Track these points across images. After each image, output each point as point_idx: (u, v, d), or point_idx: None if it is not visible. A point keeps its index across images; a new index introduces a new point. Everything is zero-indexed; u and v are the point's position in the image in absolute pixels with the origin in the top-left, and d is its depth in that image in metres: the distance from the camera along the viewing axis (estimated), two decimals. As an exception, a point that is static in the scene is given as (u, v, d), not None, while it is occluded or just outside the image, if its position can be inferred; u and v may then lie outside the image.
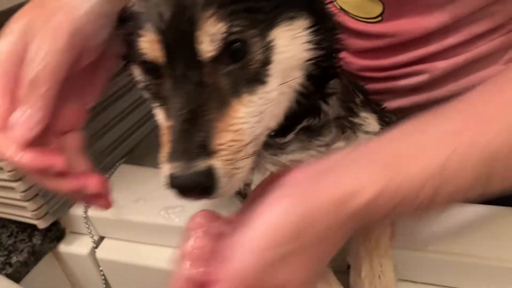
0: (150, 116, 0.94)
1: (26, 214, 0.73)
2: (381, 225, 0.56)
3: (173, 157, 0.37)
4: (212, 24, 0.37)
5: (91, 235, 0.76)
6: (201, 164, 0.36)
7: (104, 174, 0.83)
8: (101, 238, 0.77)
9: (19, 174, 0.68)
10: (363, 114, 0.55)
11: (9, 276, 0.70)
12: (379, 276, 0.54)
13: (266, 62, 0.39)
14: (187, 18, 0.37)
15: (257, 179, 0.53)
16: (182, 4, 0.37)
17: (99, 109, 0.81)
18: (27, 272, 0.74)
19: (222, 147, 0.37)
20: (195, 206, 0.70)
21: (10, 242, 0.76)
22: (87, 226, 0.75)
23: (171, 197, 0.72)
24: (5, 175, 0.69)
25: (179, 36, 0.38)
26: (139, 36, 0.39)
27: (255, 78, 0.39)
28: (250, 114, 0.39)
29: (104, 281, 0.78)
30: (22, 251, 0.74)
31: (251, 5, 0.38)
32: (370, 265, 0.54)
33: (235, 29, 0.37)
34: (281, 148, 0.50)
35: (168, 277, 0.66)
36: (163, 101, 0.41)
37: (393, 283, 0.54)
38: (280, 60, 0.40)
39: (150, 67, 0.41)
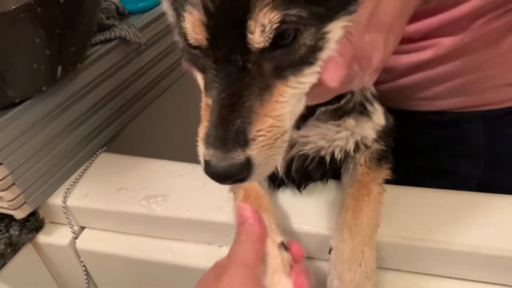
0: (132, 103, 0.92)
1: (2, 204, 0.71)
2: (373, 208, 0.55)
3: (210, 142, 0.37)
4: (267, 13, 0.35)
5: (70, 226, 0.74)
6: (239, 156, 0.37)
7: (84, 162, 0.81)
8: (82, 228, 0.75)
9: (-7, 163, 0.66)
10: (376, 105, 0.58)
11: (-15, 268, 0.68)
12: (360, 263, 0.53)
13: (316, 49, 0.38)
14: (240, 3, 0.35)
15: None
16: None
17: (79, 95, 0.78)
18: (4, 264, 0.71)
19: (260, 133, 0.37)
20: (178, 194, 0.69)
21: (-14, 233, 0.74)
22: (66, 216, 0.73)
23: (153, 187, 0.71)
24: (-21, 165, 0.66)
25: (227, 22, 0.36)
26: (184, 12, 0.37)
27: (303, 60, 0.38)
28: (295, 96, 0.38)
29: (85, 272, 0.76)
30: (-2, 242, 0.72)
31: None
32: (352, 250, 0.53)
33: (291, 18, 0.35)
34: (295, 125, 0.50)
35: (149, 267, 0.65)
36: (205, 73, 0.40)
37: (374, 272, 0.53)
38: (331, 49, 0.39)
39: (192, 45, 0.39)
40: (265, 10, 0.35)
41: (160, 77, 0.99)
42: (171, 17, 0.43)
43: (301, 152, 0.59)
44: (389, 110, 0.62)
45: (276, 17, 0.35)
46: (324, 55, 0.39)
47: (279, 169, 0.61)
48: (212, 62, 0.38)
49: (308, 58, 0.38)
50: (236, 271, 0.46)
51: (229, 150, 0.37)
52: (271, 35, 0.36)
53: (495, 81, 0.69)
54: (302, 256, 0.53)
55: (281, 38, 0.37)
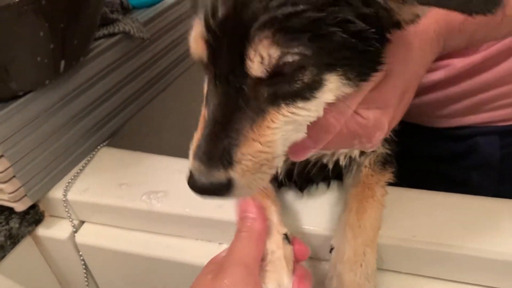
0: (134, 98, 0.92)
1: (3, 196, 0.71)
2: (376, 210, 0.55)
3: (197, 155, 0.38)
4: (266, 46, 0.34)
5: (70, 219, 0.74)
6: (220, 176, 0.37)
7: (85, 156, 0.81)
8: (81, 223, 0.75)
9: (-6, 155, 0.66)
10: None
11: (-16, 260, 0.68)
12: (361, 264, 0.53)
13: (313, 88, 0.37)
14: (240, 30, 0.35)
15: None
16: (239, 13, 0.35)
17: (82, 89, 0.78)
18: (3, 256, 0.71)
19: (246, 157, 0.37)
20: (179, 191, 0.69)
21: (-14, 225, 0.74)
22: (66, 210, 0.73)
23: (154, 182, 0.71)
24: (-20, 156, 0.66)
25: (228, 42, 0.36)
26: (192, 24, 0.37)
27: (298, 94, 0.37)
28: (286, 124, 0.38)
29: (84, 266, 0.76)
30: (-2, 234, 0.72)
31: (316, 40, 0.35)
32: (354, 251, 0.53)
33: (293, 57, 0.35)
34: None
35: (148, 262, 0.65)
36: (208, 84, 0.40)
37: (374, 274, 0.53)
38: (326, 96, 0.38)
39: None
40: (264, 43, 0.34)
41: (163, 73, 0.99)
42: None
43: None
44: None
45: (275, 52, 0.35)
46: (321, 95, 0.38)
47: (279, 173, 0.60)
48: (212, 77, 0.38)
49: (303, 93, 0.37)
50: (237, 272, 0.45)
51: (213, 167, 0.37)
52: (269, 68, 0.35)
53: (509, 98, 0.69)
54: (306, 254, 0.53)
55: (282, 68, 0.36)
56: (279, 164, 0.40)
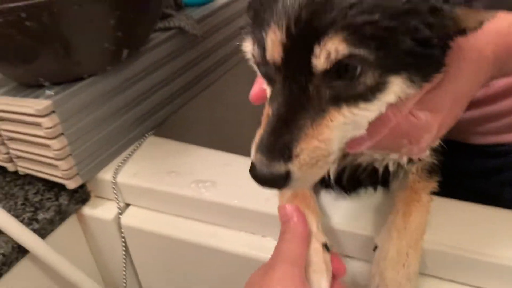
0: (181, 91, 0.95)
1: (57, 173, 0.74)
2: (422, 214, 0.57)
3: (260, 148, 0.41)
4: (336, 42, 0.37)
5: (117, 201, 0.77)
6: (280, 168, 0.40)
7: (133, 143, 0.84)
8: (127, 205, 0.78)
9: (56, 132, 0.69)
10: None
11: (35, 231, 0.71)
12: (404, 264, 0.54)
13: (376, 90, 0.40)
14: (314, 33, 0.38)
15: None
16: (318, 19, 0.37)
17: (137, 78, 0.81)
18: (51, 230, 0.75)
19: (304, 152, 0.40)
20: (226, 182, 0.71)
21: (36, 199, 0.77)
22: (114, 192, 0.76)
23: (201, 172, 0.73)
24: (42, 132, 0.69)
25: (302, 44, 0.38)
26: (267, 30, 0.40)
27: (360, 95, 0.40)
28: (345, 124, 0.40)
29: (124, 248, 0.79)
30: (48, 209, 0.75)
31: (384, 47, 0.38)
32: (398, 251, 0.55)
33: (356, 56, 0.37)
34: None
35: (189, 248, 0.66)
36: (271, 84, 0.43)
37: (415, 276, 0.55)
38: (388, 97, 0.41)
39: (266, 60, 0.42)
40: (335, 40, 0.37)
41: (210, 69, 1.02)
42: (246, 32, 0.46)
43: (355, 163, 0.61)
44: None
45: (342, 49, 0.37)
46: (383, 97, 0.41)
47: (331, 177, 0.62)
48: (281, 78, 0.41)
49: (365, 95, 0.40)
50: (285, 268, 0.48)
51: (273, 160, 0.40)
52: (334, 61, 0.38)
53: None
54: (343, 272, 0.54)
55: (344, 70, 0.39)
56: (334, 159, 0.43)
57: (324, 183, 0.65)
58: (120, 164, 0.79)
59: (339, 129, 0.41)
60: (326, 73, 0.39)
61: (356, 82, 0.39)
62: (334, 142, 0.41)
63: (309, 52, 0.38)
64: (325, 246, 0.55)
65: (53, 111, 0.69)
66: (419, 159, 0.62)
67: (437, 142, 0.61)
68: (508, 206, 0.72)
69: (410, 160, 0.62)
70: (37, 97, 0.71)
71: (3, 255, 0.68)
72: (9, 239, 0.69)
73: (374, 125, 0.43)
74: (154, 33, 0.86)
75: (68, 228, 0.79)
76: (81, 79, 0.72)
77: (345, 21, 0.37)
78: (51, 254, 0.72)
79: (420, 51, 0.39)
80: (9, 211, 0.72)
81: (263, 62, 0.42)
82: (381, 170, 0.61)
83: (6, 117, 0.73)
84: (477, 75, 0.48)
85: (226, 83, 1.07)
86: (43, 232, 0.73)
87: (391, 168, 0.61)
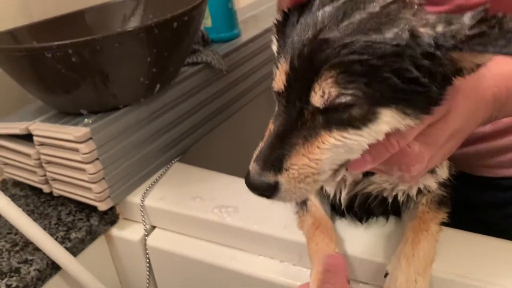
0: (206, 121, 1.01)
1: (90, 195, 0.80)
2: (430, 242, 0.60)
3: (256, 158, 0.47)
4: (329, 84, 0.43)
5: (144, 223, 0.82)
6: (269, 177, 0.45)
7: (160, 169, 0.89)
8: (153, 228, 0.83)
9: (92, 157, 0.75)
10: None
11: (67, 249, 0.76)
12: None
13: (366, 120, 0.44)
14: (313, 68, 0.43)
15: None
16: (316, 56, 0.43)
17: (166, 109, 0.88)
18: (82, 249, 0.80)
19: (293, 167, 0.45)
20: (247, 208, 0.76)
21: (69, 219, 0.82)
22: (142, 214, 0.81)
23: (224, 198, 0.78)
24: (79, 157, 0.75)
25: (302, 78, 0.44)
26: (278, 62, 0.46)
27: (349, 123, 0.45)
28: (336, 147, 0.45)
29: (148, 268, 0.83)
30: (80, 229, 0.80)
31: (372, 85, 0.42)
32: (407, 278, 0.58)
33: (346, 96, 0.43)
34: None
35: (211, 271, 0.70)
36: (277, 107, 0.48)
37: None
38: (381, 127, 0.45)
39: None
40: (329, 81, 0.43)
41: (233, 100, 1.08)
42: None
43: (365, 191, 0.65)
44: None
45: (334, 91, 0.43)
46: (373, 126, 0.45)
47: (342, 204, 0.66)
48: (284, 102, 0.46)
49: (354, 123, 0.44)
50: None
51: (265, 169, 0.45)
52: (327, 102, 0.43)
53: None
54: None
55: (336, 104, 0.44)
56: (325, 179, 0.47)
57: (337, 210, 0.69)
58: (147, 188, 0.84)
59: (330, 151, 0.45)
60: (322, 108, 0.44)
61: (345, 113, 0.44)
62: (324, 162, 0.46)
63: (307, 84, 0.44)
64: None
65: (90, 138, 0.75)
66: (428, 191, 0.66)
67: (445, 176, 0.65)
68: None
69: (419, 192, 0.66)
70: (76, 124, 0.77)
71: (39, 270, 0.73)
72: (44, 256, 0.74)
73: (378, 150, 0.47)
74: (183, 67, 0.93)
75: (97, 248, 0.84)
76: (116, 109, 0.79)
77: (337, 59, 0.42)
78: (82, 271, 0.76)
79: (410, 88, 0.43)
80: (43, 229, 0.78)
81: (273, 87, 0.48)
82: (390, 199, 0.65)
83: (46, 142, 0.79)
84: (475, 115, 0.52)
85: (247, 113, 1.12)
86: (74, 251, 0.78)
87: (400, 198, 0.65)
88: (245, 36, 1.11)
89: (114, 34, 0.69)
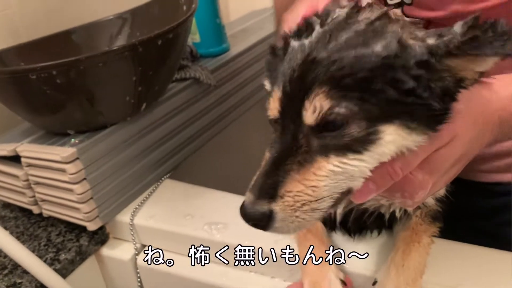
0: (195, 137, 1.01)
1: (79, 215, 0.79)
2: (421, 254, 0.60)
3: (251, 188, 0.44)
4: (321, 98, 0.42)
5: (134, 242, 0.81)
6: (263, 206, 0.43)
7: (150, 186, 0.89)
8: (143, 246, 0.82)
9: (79, 177, 0.75)
10: None
11: (56, 271, 0.75)
12: None
13: (366, 141, 0.42)
14: (302, 90, 0.43)
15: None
16: (306, 76, 0.43)
17: (154, 126, 0.87)
18: (72, 270, 0.79)
19: (288, 194, 0.43)
20: (237, 224, 0.75)
21: (58, 240, 0.82)
22: (132, 233, 0.81)
23: (215, 214, 0.78)
24: (66, 177, 0.75)
25: (295, 101, 0.43)
26: (272, 90, 0.46)
27: (348, 147, 0.42)
28: (335, 174, 0.43)
29: (139, 287, 0.82)
30: (70, 249, 0.79)
31: (367, 98, 0.41)
32: (396, 286, 0.57)
33: (340, 110, 0.41)
34: None
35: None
36: (274, 134, 0.47)
37: None
38: (384, 148, 0.43)
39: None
40: (320, 96, 0.41)
41: (223, 115, 1.08)
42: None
43: (362, 207, 0.63)
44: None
45: (326, 104, 0.41)
46: (375, 149, 0.42)
47: (337, 219, 0.66)
48: (279, 128, 0.45)
49: (354, 146, 0.42)
50: None
51: (259, 198, 0.43)
52: (320, 117, 0.42)
53: None
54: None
55: (331, 124, 0.42)
56: (325, 208, 0.44)
57: (329, 224, 0.69)
58: (137, 206, 0.83)
59: (328, 179, 0.43)
60: (315, 125, 0.43)
61: (341, 133, 0.42)
62: (322, 189, 0.43)
63: (300, 106, 0.43)
64: (342, 281, 0.59)
65: (77, 158, 0.74)
66: (424, 205, 0.65)
67: (442, 192, 0.64)
68: (508, 246, 0.73)
69: (416, 207, 0.65)
70: (62, 144, 0.77)
71: (27, 294, 0.72)
72: (33, 279, 0.74)
73: (382, 177, 0.45)
74: (171, 84, 0.93)
75: (88, 268, 0.83)
76: (103, 128, 0.78)
77: (327, 75, 0.41)
78: (71, 292, 0.75)
79: (408, 100, 0.41)
80: (33, 251, 0.77)
81: (269, 116, 0.47)
82: (387, 216, 0.64)
83: (34, 163, 0.79)
84: (481, 139, 0.50)
85: (238, 128, 1.12)
86: (64, 272, 0.77)
87: (397, 214, 0.64)
88: (234, 50, 1.11)
89: (98, 54, 0.69)
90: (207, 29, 1.08)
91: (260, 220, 0.43)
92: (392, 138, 0.42)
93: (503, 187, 0.78)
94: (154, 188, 0.88)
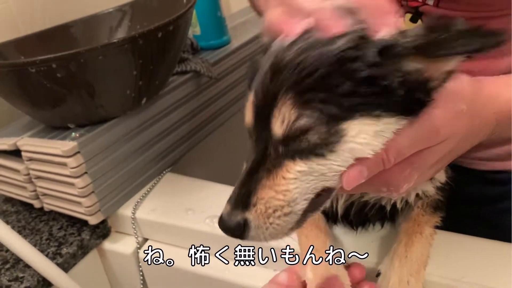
0: (196, 130, 1.00)
1: (80, 209, 0.79)
2: (423, 245, 0.60)
3: (228, 199, 0.45)
4: (287, 108, 0.42)
5: (136, 236, 0.81)
6: (237, 215, 0.44)
7: (151, 180, 0.88)
8: (145, 240, 0.82)
9: (80, 171, 0.74)
10: None
11: (58, 265, 0.75)
12: None
13: (330, 143, 0.42)
14: (271, 97, 0.43)
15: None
16: (274, 81, 0.43)
17: (155, 119, 0.87)
18: (74, 264, 0.79)
19: (260, 202, 0.43)
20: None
21: (60, 234, 0.82)
22: (133, 227, 0.80)
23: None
24: (67, 171, 0.75)
25: (265, 109, 0.43)
26: (248, 95, 0.46)
27: (311, 151, 0.43)
28: (304, 175, 0.43)
29: (142, 281, 0.82)
30: (71, 244, 0.79)
31: (326, 98, 0.41)
32: (399, 278, 0.57)
33: (303, 117, 0.41)
34: None
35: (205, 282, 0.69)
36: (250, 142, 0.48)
37: None
38: (351, 145, 0.42)
39: None
40: (287, 104, 0.41)
41: (223, 108, 1.07)
42: None
43: (362, 199, 0.63)
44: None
45: (293, 114, 0.41)
46: (342, 147, 0.42)
47: (338, 212, 0.65)
48: (254, 137, 0.46)
49: (318, 150, 0.42)
50: None
51: (235, 208, 0.44)
52: (288, 129, 0.42)
53: None
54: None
55: (295, 132, 0.42)
56: (300, 210, 0.44)
57: (331, 218, 0.68)
58: (139, 200, 0.83)
59: (298, 180, 0.43)
60: (283, 135, 0.43)
61: (304, 139, 0.42)
62: (293, 192, 0.43)
63: (270, 113, 0.43)
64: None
65: (78, 152, 0.74)
66: (426, 195, 0.65)
67: (443, 180, 0.64)
68: (508, 234, 0.73)
69: (417, 197, 0.65)
70: (63, 138, 0.77)
71: (29, 288, 0.72)
72: (35, 273, 0.73)
73: (376, 163, 0.44)
74: (171, 77, 0.93)
75: (89, 262, 0.83)
76: (104, 121, 0.78)
77: (292, 79, 0.41)
78: (73, 287, 0.75)
79: (365, 90, 0.41)
80: (35, 245, 0.77)
81: (246, 123, 0.47)
82: (388, 207, 0.64)
83: (35, 157, 0.79)
84: (473, 138, 0.51)
85: (239, 121, 1.11)
86: (66, 266, 0.77)
87: (398, 205, 0.64)
88: (235, 43, 1.11)
89: (98, 46, 0.68)
90: (207, 21, 1.07)
91: (236, 230, 0.44)
92: (358, 131, 0.42)
93: (502, 175, 0.77)
94: (156, 182, 0.88)
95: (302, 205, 0.44)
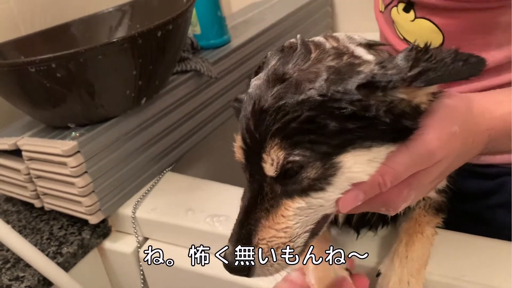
0: (196, 130, 1.00)
1: (80, 209, 0.79)
2: (424, 245, 0.60)
3: (229, 239, 0.47)
4: (276, 151, 0.43)
5: (136, 235, 0.81)
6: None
7: (152, 179, 0.88)
8: (145, 239, 0.82)
9: (80, 170, 0.74)
10: None
11: (59, 265, 0.75)
12: None
13: (327, 176, 0.43)
14: (258, 143, 0.44)
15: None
16: (259, 127, 0.44)
17: (155, 119, 0.87)
18: (74, 263, 0.79)
19: (262, 241, 0.45)
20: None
21: (61, 234, 0.82)
22: (134, 226, 0.80)
23: (216, 206, 0.77)
24: (67, 171, 0.75)
25: (254, 151, 0.45)
26: (237, 135, 0.47)
27: (309, 188, 0.44)
28: (302, 210, 0.45)
29: (142, 280, 0.82)
30: (72, 243, 0.79)
31: (315, 139, 0.42)
32: (399, 279, 0.57)
33: (294, 157, 0.42)
34: None
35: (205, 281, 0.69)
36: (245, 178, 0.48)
37: None
38: (347, 175, 0.44)
39: None
40: (275, 148, 0.43)
41: (224, 108, 1.07)
42: None
43: None
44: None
45: (281, 155, 0.43)
46: (339, 178, 0.44)
47: (340, 220, 0.65)
48: (248, 176, 0.47)
49: (315, 186, 0.44)
50: None
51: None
52: (279, 169, 0.43)
53: None
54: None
55: (290, 171, 0.44)
56: (300, 243, 0.46)
57: (333, 221, 0.68)
58: (139, 199, 0.83)
59: (297, 216, 0.45)
60: (275, 176, 0.44)
61: (300, 178, 0.44)
62: (294, 228, 0.45)
63: (260, 158, 0.44)
64: (347, 270, 0.59)
65: (78, 151, 0.74)
66: (428, 197, 0.65)
67: (444, 184, 0.64)
68: (500, 229, 0.73)
69: (418, 201, 0.64)
70: (63, 138, 0.77)
71: (30, 287, 0.72)
72: (36, 272, 0.74)
73: (372, 187, 0.45)
74: (172, 76, 0.92)
75: (90, 261, 0.83)
76: (104, 121, 0.78)
77: (276, 125, 0.42)
78: (74, 286, 0.75)
79: (352, 125, 0.42)
80: (35, 245, 0.77)
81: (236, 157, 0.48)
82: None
83: (35, 157, 0.79)
84: (466, 155, 0.52)
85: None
86: (66, 265, 0.77)
87: (401, 211, 0.63)
88: (235, 42, 1.11)
89: (98, 46, 0.68)
90: (207, 20, 1.07)
91: (242, 271, 0.46)
92: (353, 162, 0.44)
93: (494, 169, 0.77)
94: (156, 181, 0.88)
95: (303, 237, 0.46)
